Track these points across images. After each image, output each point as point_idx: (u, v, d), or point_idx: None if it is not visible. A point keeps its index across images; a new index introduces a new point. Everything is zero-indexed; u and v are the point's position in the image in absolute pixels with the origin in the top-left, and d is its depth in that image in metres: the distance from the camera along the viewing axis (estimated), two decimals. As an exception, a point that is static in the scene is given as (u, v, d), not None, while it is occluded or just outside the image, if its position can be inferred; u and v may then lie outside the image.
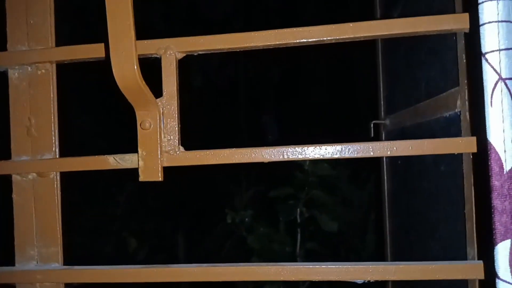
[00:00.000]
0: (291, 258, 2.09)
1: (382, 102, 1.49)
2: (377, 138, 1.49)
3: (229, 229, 2.23)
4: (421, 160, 1.11)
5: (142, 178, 0.71)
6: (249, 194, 2.57)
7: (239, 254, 2.17)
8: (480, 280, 0.63)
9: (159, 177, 0.70)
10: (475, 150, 0.63)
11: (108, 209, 3.13)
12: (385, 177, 1.50)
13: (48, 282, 0.76)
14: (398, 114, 1.31)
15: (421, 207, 1.15)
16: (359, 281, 0.65)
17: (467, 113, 0.79)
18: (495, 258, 0.47)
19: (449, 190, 0.96)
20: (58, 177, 0.78)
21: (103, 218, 3.09)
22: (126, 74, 0.63)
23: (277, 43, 0.70)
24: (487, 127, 0.51)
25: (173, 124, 0.71)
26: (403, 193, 1.33)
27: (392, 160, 1.42)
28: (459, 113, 0.84)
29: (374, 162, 1.62)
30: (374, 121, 1.41)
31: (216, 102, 3.80)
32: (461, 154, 0.85)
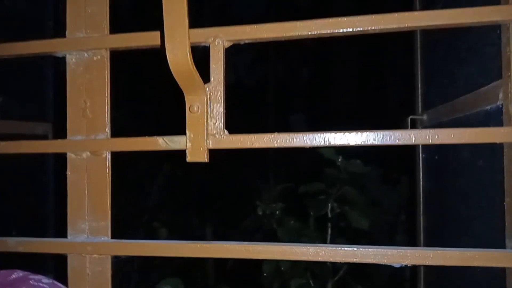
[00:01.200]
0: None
1: (419, 98, 1.48)
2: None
3: (259, 222, 2.26)
4: (458, 155, 1.11)
5: (189, 159, 0.75)
6: (279, 190, 2.59)
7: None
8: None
9: (205, 158, 0.74)
10: (519, 140, 0.63)
11: (140, 200, 3.23)
12: (420, 175, 1.49)
13: (97, 254, 0.82)
14: (436, 109, 1.30)
15: (456, 204, 1.14)
16: (397, 265, 0.67)
17: (510, 105, 0.79)
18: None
19: (486, 185, 0.96)
20: (109, 157, 0.83)
21: (136, 208, 3.19)
22: (180, 60, 0.67)
23: (322, 32, 0.72)
24: (532, 114, 0.52)
25: (219, 109, 0.75)
26: (438, 191, 1.33)
27: (428, 156, 1.41)
28: (501, 106, 0.84)
29: (408, 160, 1.61)
30: (411, 116, 1.41)
31: (245, 101, 3.85)
32: (501, 148, 0.85)
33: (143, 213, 3.33)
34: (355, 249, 0.69)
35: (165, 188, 3.27)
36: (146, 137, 0.78)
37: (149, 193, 3.34)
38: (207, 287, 2.46)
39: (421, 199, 1.50)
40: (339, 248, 0.70)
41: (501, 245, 0.82)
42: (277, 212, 2.16)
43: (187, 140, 0.74)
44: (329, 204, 2.17)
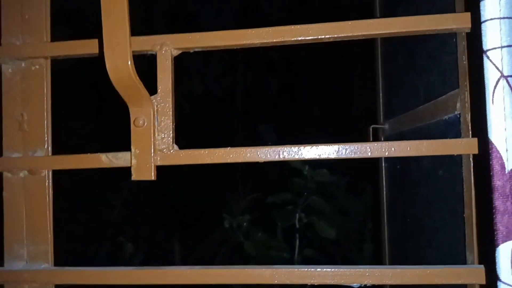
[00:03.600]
0: (289, 264, 2.06)
1: (381, 107, 1.48)
2: (375, 143, 1.47)
3: (226, 235, 2.20)
4: (419, 165, 1.10)
5: (134, 176, 0.70)
6: (247, 200, 2.55)
7: (236, 260, 2.15)
8: (481, 285, 0.61)
9: (152, 176, 0.69)
10: (476, 151, 0.61)
11: (103, 214, 3.11)
12: (384, 184, 1.48)
13: (37, 282, 0.74)
14: (397, 118, 1.29)
15: (418, 214, 1.13)
16: (356, 285, 0.63)
17: (467, 115, 0.78)
18: (496, 261, 0.45)
19: (447, 196, 0.94)
20: (50, 175, 0.76)
21: (98, 222, 3.06)
22: (120, 68, 0.62)
23: (274, 40, 0.69)
24: (488, 126, 0.50)
25: (167, 122, 0.70)
26: (401, 200, 1.32)
27: (390, 165, 1.41)
28: (458, 116, 0.83)
29: (372, 169, 1.61)
30: (373, 126, 1.40)
31: (213, 110, 3.80)
32: (461, 158, 0.83)
33: (107, 228, 3.20)
34: (313, 269, 0.65)
35: (129, 201, 3.16)
36: (88, 154, 0.72)
37: (113, 206, 3.22)
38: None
39: (385, 209, 1.49)
40: (296, 269, 0.66)
41: (463, 258, 0.81)
42: (244, 224, 2.11)
43: (132, 157, 0.69)
44: (297, 215, 2.15)
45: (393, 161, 1.37)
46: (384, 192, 1.49)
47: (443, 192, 0.97)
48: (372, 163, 1.62)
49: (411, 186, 1.20)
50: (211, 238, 2.65)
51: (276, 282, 0.66)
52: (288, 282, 0.65)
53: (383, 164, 1.48)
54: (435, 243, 1.02)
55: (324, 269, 0.64)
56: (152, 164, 0.68)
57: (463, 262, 0.81)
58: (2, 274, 0.75)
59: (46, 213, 0.75)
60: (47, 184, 0.75)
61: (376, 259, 1.64)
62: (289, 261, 2.09)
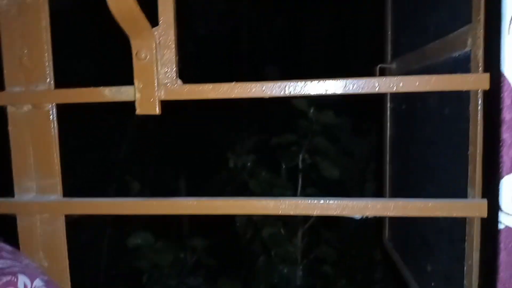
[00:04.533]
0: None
1: (389, 47, 1.43)
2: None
3: (231, 174, 2.24)
4: (425, 104, 1.09)
5: (139, 111, 0.69)
6: (252, 141, 2.57)
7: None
8: (482, 219, 0.63)
9: (156, 110, 0.69)
10: (487, 87, 0.60)
11: (109, 154, 3.15)
12: (388, 124, 1.47)
13: (47, 213, 0.77)
14: (405, 57, 1.26)
15: (421, 152, 1.13)
16: (357, 216, 0.65)
17: (479, 51, 0.76)
18: (499, 192, 0.46)
19: (452, 134, 0.94)
20: (54, 109, 0.76)
21: (104, 162, 3.12)
22: (120, -2, 0.59)
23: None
24: (502, 58, 0.48)
25: (170, 55, 0.68)
26: (405, 140, 1.32)
27: (396, 106, 1.39)
28: (469, 52, 0.80)
29: (377, 110, 1.59)
30: (380, 65, 1.37)
31: (217, 51, 3.72)
32: (468, 96, 0.82)
33: (114, 167, 3.26)
34: (316, 201, 0.67)
35: (135, 141, 3.19)
36: (91, 88, 0.72)
37: (120, 146, 3.26)
38: (180, 238, 2.48)
39: (388, 148, 1.50)
40: (300, 200, 0.67)
41: (464, 194, 0.82)
42: (249, 164, 2.14)
43: (136, 91, 0.68)
44: (300, 155, 2.17)
45: (399, 101, 1.36)
46: (388, 132, 1.49)
47: (447, 131, 0.97)
48: (377, 104, 1.60)
49: (415, 125, 1.20)
50: (216, 177, 2.71)
51: (280, 213, 0.68)
52: (292, 213, 0.67)
53: (388, 105, 1.47)
54: (436, 180, 1.03)
55: (328, 201, 0.65)
56: (156, 98, 0.68)
57: (464, 197, 0.82)
58: (13, 205, 0.78)
59: (52, 146, 0.76)
60: (51, 118, 0.75)
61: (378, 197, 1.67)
62: (292, 200, 2.14)
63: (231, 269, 2.44)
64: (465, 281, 0.77)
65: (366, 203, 0.64)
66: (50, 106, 0.75)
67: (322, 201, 0.66)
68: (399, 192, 1.39)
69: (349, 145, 2.37)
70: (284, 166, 2.17)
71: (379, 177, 1.82)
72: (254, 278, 2.08)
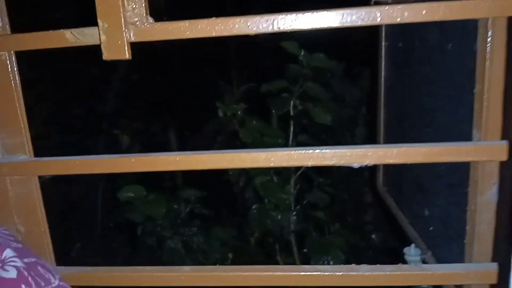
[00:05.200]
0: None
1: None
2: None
3: (221, 124, 2.17)
4: (425, 40, 1.00)
5: (106, 55, 0.61)
6: (241, 90, 2.48)
7: (232, 147, 2.15)
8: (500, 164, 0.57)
9: (126, 54, 0.60)
10: (507, 14, 0.52)
11: (95, 108, 3.05)
12: (382, 65, 1.39)
13: (17, 175, 0.70)
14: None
15: (419, 94, 1.07)
16: (356, 165, 0.59)
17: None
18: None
19: (454, 72, 0.87)
20: (13, 57, 0.67)
21: (91, 116, 3.02)
22: None
23: None
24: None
25: (138, -11, 0.59)
26: (401, 81, 1.24)
27: (391, 44, 1.30)
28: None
29: (371, 51, 1.50)
30: (375, -1, 1.26)
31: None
32: (475, 27, 0.74)
33: (101, 121, 3.17)
34: (311, 151, 0.60)
35: (121, 93, 3.07)
36: (50, 31, 0.62)
37: (105, 99, 3.14)
38: (173, 190, 2.45)
39: (382, 91, 1.43)
40: (293, 151, 0.61)
41: (467, 137, 0.77)
42: (239, 113, 2.06)
43: (101, 32, 0.59)
44: (292, 102, 2.09)
45: (394, 39, 1.27)
46: (383, 74, 1.41)
47: (450, 68, 0.90)
48: (370, 44, 1.51)
49: (413, 64, 1.12)
50: (206, 127, 2.64)
51: (272, 165, 0.62)
52: (285, 165, 0.61)
53: (383, 43, 1.38)
54: (435, 123, 0.97)
55: (323, 150, 0.59)
56: (125, 40, 0.59)
57: (469, 140, 0.77)
58: (-20, 167, 0.71)
59: (14, 101, 0.68)
60: (9, 67, 0.66)
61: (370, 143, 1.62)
62: (284, 147, 2.10)
63: (225, 218, 2.44)
64: (467, 226, 0.74)
65: (365, 151, 0.58)
66: (6, 54, 0.65)
67: (317, 151, 0.59)
68: (393, 137, 1.34)
69: (341, 90, 2.30)
70: (274, 114, 2.10)
71: (372, 122, 1.77)
72: (249, 225, 2.08)
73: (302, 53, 2.09)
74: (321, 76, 2.17)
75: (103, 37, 0.59)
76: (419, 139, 1.05)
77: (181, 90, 3.16)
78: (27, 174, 0.70)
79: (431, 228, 1.02)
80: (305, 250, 2.01)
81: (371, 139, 2.11)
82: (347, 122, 2.28)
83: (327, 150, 0.60)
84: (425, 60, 1.00)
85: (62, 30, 0.62)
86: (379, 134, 1.45)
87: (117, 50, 0.59)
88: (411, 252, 1.04)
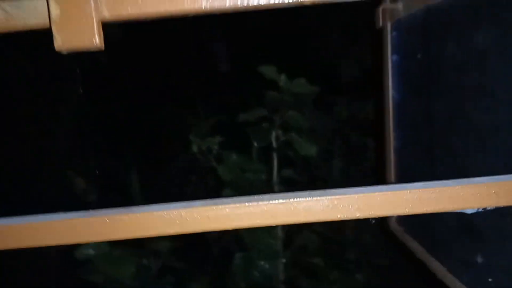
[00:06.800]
0: (268, 187, 1.83)
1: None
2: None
3: (194, 160, 1.91)
4: (470, 40, 0.82)
5: (59, 45, 0.35)
6: (211, 122, 2.23)
7: (209, 188, 1.88)
8: None
9: (95, 37, 0.35)
10: None
11: (43, 146, 2.68)
12: (390, 82, 1.21)
13: None
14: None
15: (463, 111, 0.87)
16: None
17: None
18: None
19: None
20: None
21: (39, 156, 2.65)
22: None
23: None
24: None
25: None
26: (422, 99, 1.05)
27: (404, 56, 1.13)
28: None
29: (375, 63, 1.32)
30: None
31: None
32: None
33: (52, 162, 2.79)
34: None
35: (72, 130, 2.73)
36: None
37: (54, 137, 2.79)
38: (139, 240, 2.12)
39: (391, 112, 1.24)
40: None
41: None
42: (215, 147, 1.82)
43: (51, 3, 0.34)
44: (273, 132, 1.88)
45: (409, 50, 1.09)
46: (390, 93, 1.22)
47: None
48: (375, 54, 1.32)
49: (445, 77, 0.93)
50: (174, 166, 2.35)
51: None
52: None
53: (389, 57, 1.20)
54: (491, 145, 0.77)
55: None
56: (93, 14, 0.34)
57: None
58: None
59: None
60: None
61: (379, 177, 1.38)
62: (268, 184, 1.86)
63: (202, 270, 2.13)
64: None
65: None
66: None
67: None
68: (414, 169, 1.13)
69: (326, 118, 2.12)
70: (256, 146, 1.87)
71: (377, 153, 1.57)
72: (231, 278, 1.78)
73: (281, 78, 1.92)
74: (303, 102, 1.99)
75: (54, 12, 0.34)
76: (464, 170, 0.85)
77: (142, 123, 2.87)
78: None
79: (490, 280, 0.80)
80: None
81: (372, 172, 1.91)
82: (337, 153, 2.08)
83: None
84: (471, 69, 0.81)
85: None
86: (388, 166, 1.24)
87: (79, 32, 0.34)
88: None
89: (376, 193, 0.34)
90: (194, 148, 1.79)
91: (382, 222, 1.34)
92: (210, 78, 2.46)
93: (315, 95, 1.92)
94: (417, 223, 1.14)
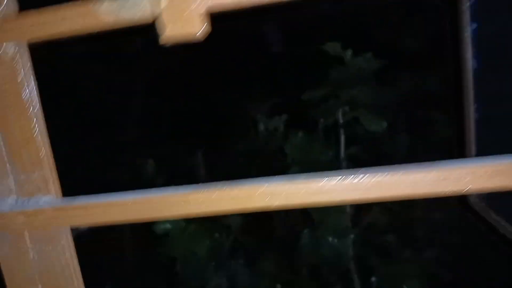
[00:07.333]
0: (335, 164, 1.83)
1: None
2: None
3: (260, 140, 1.94)
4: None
5: (166, 36, 0.38)
6: (281, 100, 2.24)
7: (276, 166, 1.91)
8: None
9: (200, 27, 0.37)
10: None
11: (117, 137, 2.85)
12: (469, 52, 1.15)
13: (40, 227, 0.48)
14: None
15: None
16: None
17: None
18: None
19: None
20: (26, 53, 0.45)
21: (111, 147, 2.83)
22: None
23: None
24: None
25: None
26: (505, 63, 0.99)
27: (486, 24, 1.06)
28: None
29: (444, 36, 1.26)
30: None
31: None
32: None
33: (123, 151, 2.97)
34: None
35: (140, 120, 2.88)
36: (72, 3, 0.40)
37: (125, 128, 2.96)
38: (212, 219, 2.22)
39: (471, 84, 1.18)
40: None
41: None
42: (281, 126, 1.83)
43: (160, -4, 0.37)
44: (340, 109, 1.86)
45: (492, 18, 1.02)
46: (470, 64, 1.16)
47: None
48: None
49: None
50: (238, 147, 2.40)
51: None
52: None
53: (468, 26, 1.13)
54: None
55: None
56: (200, 10, 0.37)
57: None
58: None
59: (29, 118, 0.46)
60: (21, 69, 0.44)
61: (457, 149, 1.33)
62: (335, 161, 1.85)
63: (271, 246, 2.18)
64: None
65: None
66: (15, 48, 0.44)
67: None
68: (497, 144, 1.07)
69: (391, 92, 2.05)
70: (322, 124, 1.86)
71: (451, 124, 1.50)
72: (299, 254, 1.81)
73: (347, 53, 1.88)
74: (369, 78, 1.94)
75: (163, 3, 0.37)
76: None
77: (205, 108, 2.95)
78: (56, 224, 0.48)
79: None
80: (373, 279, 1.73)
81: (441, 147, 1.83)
82: (403, 129, 2.01)
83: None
84: None
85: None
86: (468, 139, 1.19)
87: (186, 23, 0.37)
88: None
89: (488, 164, 0.34)
90: (261, 128, 1.81)
91: (460, 197, 1.29)
92: (274, 59, 2.46)
93: (381, 69, 1.86)
94: (501, 197, 1.09)
